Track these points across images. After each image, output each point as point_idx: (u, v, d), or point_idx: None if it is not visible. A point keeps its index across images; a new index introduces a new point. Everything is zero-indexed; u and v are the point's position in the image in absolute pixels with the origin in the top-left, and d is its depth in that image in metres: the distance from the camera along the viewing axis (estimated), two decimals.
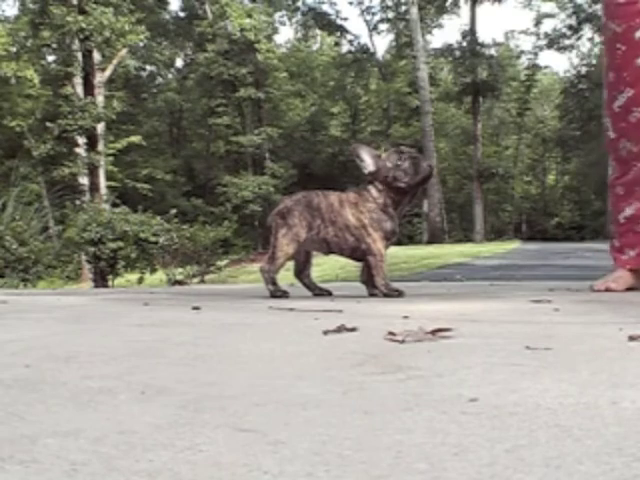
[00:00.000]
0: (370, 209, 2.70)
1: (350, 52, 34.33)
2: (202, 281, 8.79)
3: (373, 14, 34.48)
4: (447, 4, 32.86)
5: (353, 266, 10.46)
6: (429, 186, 28.19)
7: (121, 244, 7.49)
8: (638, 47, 2.51)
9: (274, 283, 2.74)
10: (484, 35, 73.56)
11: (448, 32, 35.16)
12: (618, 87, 2.56)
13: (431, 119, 28.19)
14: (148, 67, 32.54)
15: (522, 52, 37.98)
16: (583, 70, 36.62)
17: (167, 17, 32.03)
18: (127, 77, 27.82)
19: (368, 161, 2.74)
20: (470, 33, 31.76)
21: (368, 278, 2.79)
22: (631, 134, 2.59)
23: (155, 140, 30.16)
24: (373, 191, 2.73)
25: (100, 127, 16.11)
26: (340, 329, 1.34)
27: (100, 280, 8.05)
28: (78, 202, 13.34)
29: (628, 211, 2.67)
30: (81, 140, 16.00)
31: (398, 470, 0.52)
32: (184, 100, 31.85)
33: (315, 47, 37.82)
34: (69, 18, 14.67)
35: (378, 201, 2.71)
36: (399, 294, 2.64)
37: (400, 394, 0.78)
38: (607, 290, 2.62)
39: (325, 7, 34.29)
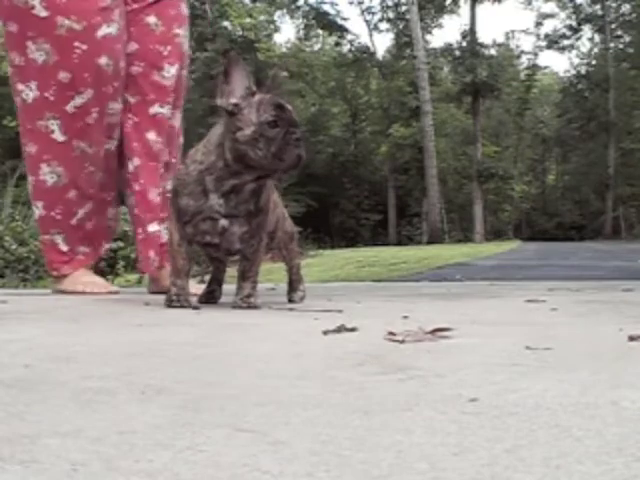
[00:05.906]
0: None
1: (350, 52, 34.33)
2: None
3: (373, 14, 34.52)
4: (447, 4, 32.90)
5: (353, 266, 10.46)
6: (429, 186, 28.25)
7: (121, 244, 7.48)
8: (100, 46, 2.45)
9: None
10: (484, 35, 73.42)
11: (448, 32, 35.22)
12: (76, 88, 2.51)
13: (431, 119, 28.21)
14: None
15: (522, 52, 38.06)
16: (583, 70, 36.67)
17: None
18: None
19: None
20: (470, 33, 31.81)
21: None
22: (87, 135, 2.60)
23: None
24: None
25: None
26: (340, 329, 1.34)
27: None
28: None
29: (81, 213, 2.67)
30: None
31: (398, 470, 0.52)
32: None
33: (317, 47, 37.80)
34: None
35: None
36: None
37: (400, 394, 0.78)
38: None
39: (326, 7, 34.24)
